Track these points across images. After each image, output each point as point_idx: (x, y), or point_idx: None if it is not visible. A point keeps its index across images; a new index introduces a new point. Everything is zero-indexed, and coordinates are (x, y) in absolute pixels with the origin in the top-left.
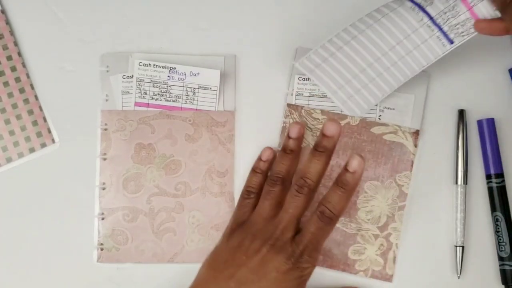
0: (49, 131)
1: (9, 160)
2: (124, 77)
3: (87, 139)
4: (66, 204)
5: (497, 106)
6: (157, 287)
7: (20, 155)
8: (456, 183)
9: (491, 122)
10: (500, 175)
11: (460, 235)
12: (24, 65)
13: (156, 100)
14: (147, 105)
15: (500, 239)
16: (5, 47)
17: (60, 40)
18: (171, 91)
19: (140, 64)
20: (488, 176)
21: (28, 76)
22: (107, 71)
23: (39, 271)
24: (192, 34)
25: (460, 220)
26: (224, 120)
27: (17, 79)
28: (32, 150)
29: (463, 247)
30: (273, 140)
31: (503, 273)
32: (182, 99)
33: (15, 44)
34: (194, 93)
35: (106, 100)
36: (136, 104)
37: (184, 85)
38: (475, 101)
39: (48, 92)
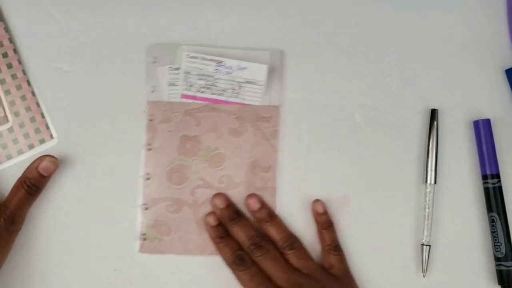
0: (47, 127)
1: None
2: (171, 68)
3: (84, 136)
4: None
5: (493, 107)
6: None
7: (20, 152)
8: (426, 182)
9: (487, 123)
10: (496, 175)
11: (427, 233)
12: (20, 62)
13: (202, 92)
14: (193, 97)
15: (495, 240)
16: (0, 44)
17: (56, 38)
18: (217, 84)
19: (188, 56)
20: (484, 177)
21: (24, 72)
22: (154, 62)
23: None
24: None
25: (427, 218)
26: (268, 115)
27: (14, 76)
28: (31, 146)
29: (429, 245)
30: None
31: (499, 273)
32: (228, 92)
33: (10, 41)
34: (240, 87)
35: (152, 91)
36: (183, 96)
37: (231, 79)
38: (471, 102)
39: (46, 88)
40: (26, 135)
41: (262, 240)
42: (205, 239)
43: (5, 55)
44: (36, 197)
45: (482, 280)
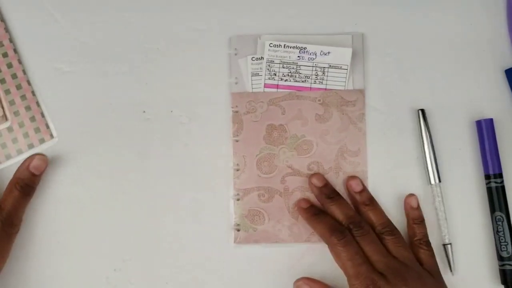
0: (47, 127)
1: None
2: (253, 59)
3: (84, 135)
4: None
5: (493, 107)
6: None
7: (19, 152)
8: (430, 182)
9: (490, 122)
10: (499, 175)
11: (445, 232)
12: (20, 62)
13: (285, 81)
14: (277, 86)
15: (501, 239)
16: (0, 44)
17: (56, 38)
18: (300, 71)
19: (271, 45)
20: (487, 177)
21: (24, 72)
22: (235, 54)
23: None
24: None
25: (442, 218)
26: (354, 99)
27: (14, 76)
28: (31, 146)
29: (451, 244)
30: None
31: (503, 273)
32: (311, 79)
33: (10, 41)
34: (323, 72)
35: (236, 83)
36: (266, 85)
37: (314, 65)
38: (471, 102)
39: (46, 88)
40: (26, 135)
41: (362, 220)
42: (298, 227)
43: (5, 55)
44: (31, 196)
45: (484, 280)
